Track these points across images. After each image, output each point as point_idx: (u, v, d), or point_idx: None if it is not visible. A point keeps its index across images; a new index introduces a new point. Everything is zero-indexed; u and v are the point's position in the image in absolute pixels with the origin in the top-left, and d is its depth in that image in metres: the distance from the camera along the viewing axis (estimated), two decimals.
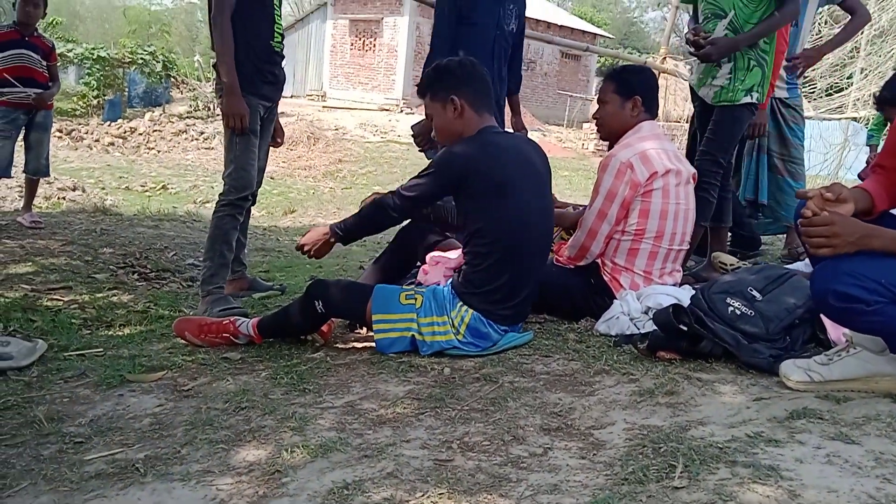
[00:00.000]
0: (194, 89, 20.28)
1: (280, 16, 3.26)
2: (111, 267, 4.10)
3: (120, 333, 2.97)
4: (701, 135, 3.60)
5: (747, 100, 3.26)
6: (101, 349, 2.69)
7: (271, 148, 3.59)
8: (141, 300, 3.47)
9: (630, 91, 2.83)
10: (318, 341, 2.68)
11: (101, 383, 2.31)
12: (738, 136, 3.43)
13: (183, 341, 2.70)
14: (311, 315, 2.54)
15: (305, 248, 2.69)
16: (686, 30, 3.80)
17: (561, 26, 27.28)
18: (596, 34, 29.92)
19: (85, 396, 2.22)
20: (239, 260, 3.58)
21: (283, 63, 3.40)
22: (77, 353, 2.64)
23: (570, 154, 18.78)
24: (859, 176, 4.01)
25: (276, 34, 3.22)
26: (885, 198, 1.98)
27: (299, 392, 2.18)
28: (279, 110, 3.59)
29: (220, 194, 3.25)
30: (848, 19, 4.21)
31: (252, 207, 3.56)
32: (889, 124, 3.79)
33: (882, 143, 3.93)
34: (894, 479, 1.45)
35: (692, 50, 3.28)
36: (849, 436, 1.64)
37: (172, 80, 21.37)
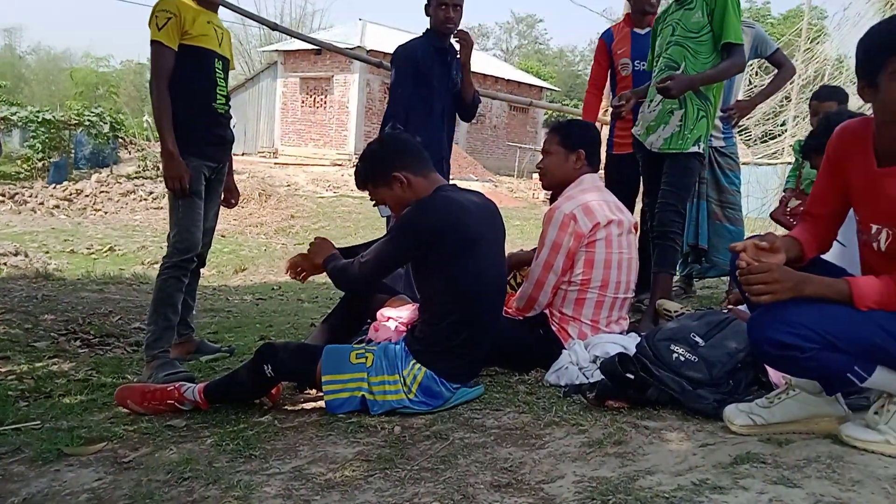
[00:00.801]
0: (143, 149, 20.13)
1: (223, 78, 3.29)
2: (52, 334, 3.98)
3: (59, 404, 2.87)
4: (646, 185, 3.72)
5: (695, 149, 3.39)
6: (39, 422, 2.59)
7: (224, 207, 3.59)
8: (83, 368, 3.37)
9: (574, 144, 2.93)
10: (267, 404, 2.63)
11: (37, 458, 2.21)
12: (693, 185, 3.56)
13: (125, 410, 2.62)
14: (260, 379, 2.50)
15: (300, 269, 2.76)
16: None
17: (508, 80, 28.03)
18: (542, 87, 30.77)
19: (19, 473, 2.13)
20: (186, 322, 3.52)
21: (233, 123, 3.43)
22: (13, 426, 2.53)
23: (521, 203, 19.05)
24: (771, 216, 4.19)
25: (218, 97, 3.24)
26: (814, 245, 2.05)
27: (245, 458, 2.13)
28: (235, 169, 3.62)
29: (163, 256, 3.23)
30: (776, 72, 4.46)
31: (201, 268, 3.53)
32: (800, 171, 3.98)
33: (791, 186, 4.11)
34: None
35: (617, 112, 3.68)
36: (790, 479, 1.67)
37: (120, 140, 21.18)
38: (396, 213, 2.63)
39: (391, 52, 3.87)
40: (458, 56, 3.80)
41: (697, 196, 4.23)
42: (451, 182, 2.75)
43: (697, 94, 3.37)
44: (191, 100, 3.15)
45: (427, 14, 3.76)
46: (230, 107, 3.37)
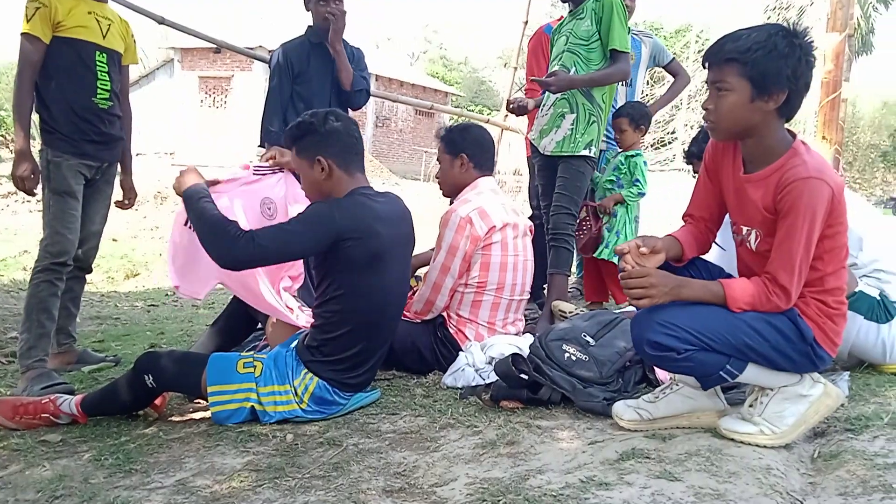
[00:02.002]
0: None
1: (107, 72, 3.12)
2: None
3: None
4: (542, 188, 3.79)
5: (586, 152, 3.48)
6: None
7: (119, 209, 3.42)
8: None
9: (456, 149, 2.96)
10: (151, 415, 2.50)
11: None
12: (585, 188, 3.65)
13: None
14: (141, 390, 2.38)
15: None
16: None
17: (413, 84, 28.09)
18: (448, 92, 31.02)
19: None
20: (67, 332, 3.32)
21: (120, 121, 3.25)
22: None
23: (427, 208, 19.09)
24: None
25: (100, 90, 3.08)
26: (694, 246, 2.14)
27: (125, 473, 2.01)
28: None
29: (35, 260, 3.03)
30: (672, 81, 4.66)
31: (87, 274, 3.34)
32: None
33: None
34: None
35: (512, 107, 3.73)
36: (672, 473, 1.73)
37: (1, 138, 19.88)
38: (307, 193, 2.51)
39: None
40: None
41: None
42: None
43: (588, 100, 3.46)
44: (67, 95, 2.98)
45: (307, 9, 3.67)
46: (115, 103, 3.20)
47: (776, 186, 1.89)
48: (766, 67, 1.86)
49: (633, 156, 3.92)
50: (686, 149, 3.38)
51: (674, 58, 4.65)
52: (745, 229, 2.04)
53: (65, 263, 3.03)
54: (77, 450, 2.23)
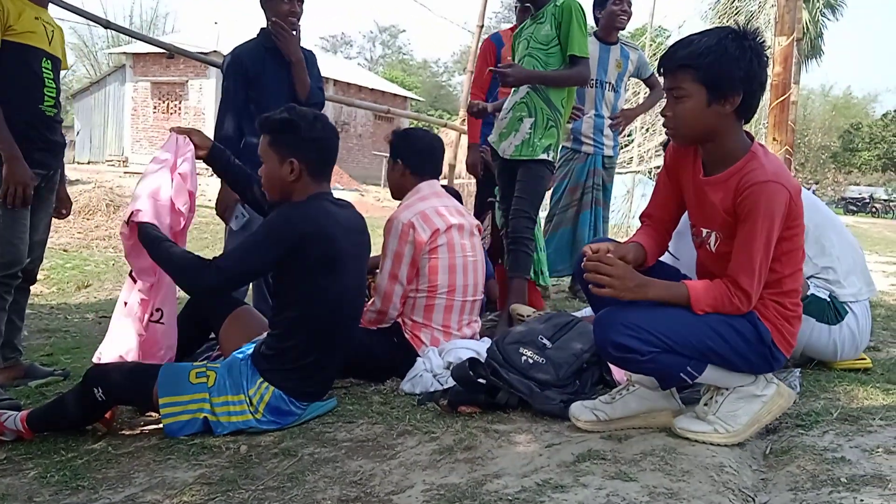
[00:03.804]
0: None
1: (53, 79, 3.04)
2: None
3: None
4: (502, 191, 3.80)
5: (545, 156, 3.49)
6: None
7: (57, 220, 3.32)
8: None
9: (395, 154, 2.97)
10: (100, 429, 2.43)
11: None
12: (544, 192, 3.69)
13: None
14: (90, 404, 2.30)
15: None
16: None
17: (372, 89, 28.02)
18: (407, 97, 31.01)
19: None
20: (13, 345, 3.21)
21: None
22: None
23: (388, 213, 18.98)
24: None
25: (46, 98, 2.99)
26: (655, 249, 2.17)
27: (71, 490, 1.95)
28: (73, 178, 3.34)
29: None
30: (649, 92, 4.94)
31: (32, 286, 3.24)
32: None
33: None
34: None
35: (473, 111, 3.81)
36: (627, 473, 1.74)
37: None
38: (265, 183, 2.48)
39: None
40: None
41: (595, 202, 4.56)
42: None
43: (547, 104, 3.47)
44: (14, 101, 2.87)
45: (262, 6, 3.58)
46: (59, 110, 3.12)
47: (735, 189, 1.92)
48: (718, 71, 1.89)
49: None
50: (663, 142, 3.45)
51: (653, 72, 4.85)
52: (704, 231, 2.07)
53: (15, 275, 2.93)
54: (22, 467, 2.16)
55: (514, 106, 3.52)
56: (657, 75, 4.87)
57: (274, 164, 2.41)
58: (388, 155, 3.18)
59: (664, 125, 2.05)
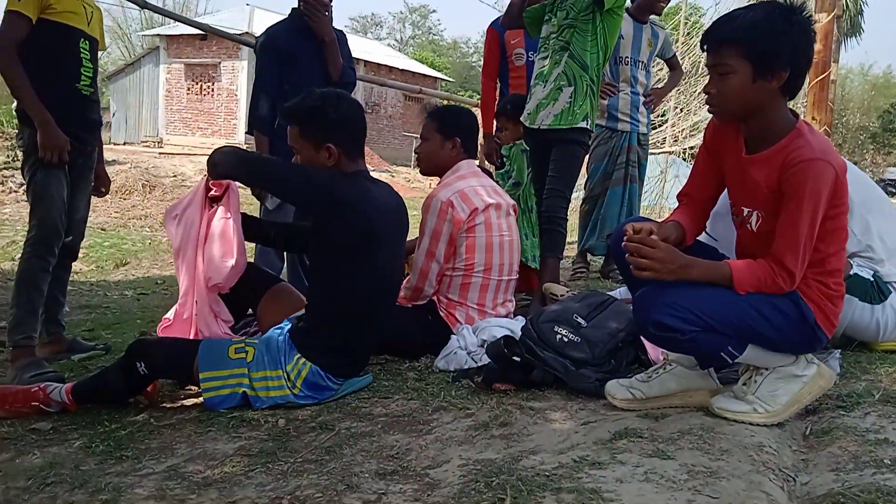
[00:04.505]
0: (11, 138, 18.73)
1: (91, 59, 3.09)
2: None
3: None
4: (535, 172, 3.78)
5: (583, 124, 3.47)
6: None
7: (96, 198, 3.39)
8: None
9: (451, 132, 2.93)
10: (142, 402, 2.49)
11: None
12: (578, 172, 3.67)
13: None
14: (133, 378, 2.36)
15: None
16: None
17: (402, 70, 27.93)
18: (437, 78, 30.87)
19: None
20: (56, 320, 3.29)
21: (113, 110, 3.24)
22: None
23: (418, 194, 19.04)
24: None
25: (83, 77, 3.04)
26: (694, 228, 2.14)
27: (116, 460, 2.00)
28: (110, 158, 3.40)
29: (25, 241, 2.99)
30: (670, 73, 5.05)
31: (74, 262, 3.32)
32: None
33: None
34: (704, 489, 1.53)
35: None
36: (665, 451, 1.73)
37: None
38: None
39: None
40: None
41: (629, 179, 4.54)
42: None
43: (585, 72, 3.45)
44: (51, 79, 2.93)
45: None
46: (95, 89, 3.17)
47: (780, 167, 1.88)
48: (765, 46, 1.85)
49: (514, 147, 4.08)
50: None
51: (675, 53, 4.96)
52: (745, 210, 2.03)
53: (53, 250, 3.00)
54: (67, 437, 2.22)
55: (557, 77, 3.48)
56: (677, 57, 5.00)
57: (310, 153, 2.42)
58: (417, 135, 3.17)
59: (707, 102, 2.02)
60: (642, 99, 4.55)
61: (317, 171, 2.38)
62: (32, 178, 2.96)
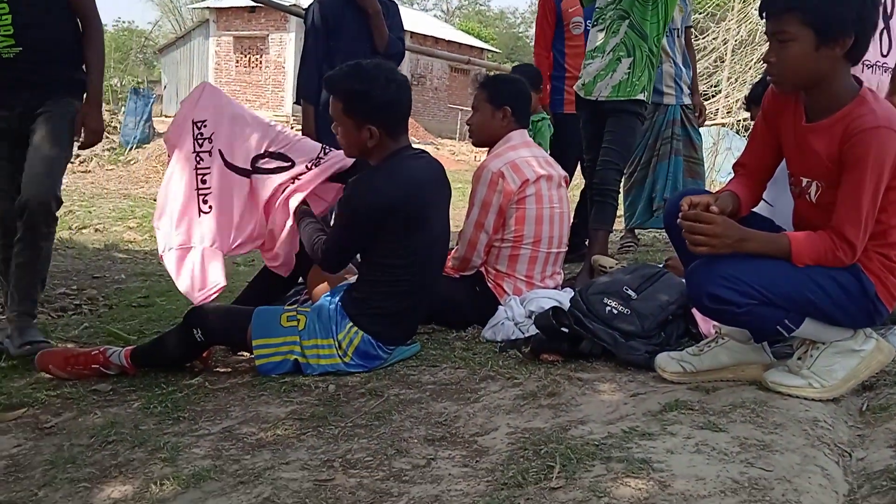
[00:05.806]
0: None
1: (7, 13, 2.70)
2: None
3: None
4: (587, 143, 3.72)
5: (642, 96, 3.41)
6: None
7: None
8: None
9: (501, 101, 2.89)
10: (198, 366, 2.56)
11: None
12: (634, 145, 3.60)
13: (48, 375, 2.51)
14: (189, 344, 2.42)
15: None
16: None
17: (448, 41, 27.72)
18: (483, 48, 30.58)
19: None
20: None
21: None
22: None
23: (463, 166, 19.00)
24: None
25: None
26: (750, 199, 2.08)
27: (173, 420, 2.07)
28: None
29: None
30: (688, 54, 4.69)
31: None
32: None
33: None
34: (757, 462, 1.51)
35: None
36: (716, 424, 1.71)
37: None
38: (344, 146, 2.50)
39: None
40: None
41: (674, 152, 4.44)
42: None
43: (645, 41, 3.38)
44: None
45: None
46: (31, 45, 2.76)
47: (842, 136, 1.81)
48: (828, 13, 1.78)
49: (536, 120, 3.98)
50: (747, 94, 3.29)
51: (691, 24, 4.75)
52: (804, 181, 1.97)
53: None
54: (127, 399, 2.30)
55: (614, 47, 3.42)
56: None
57: (350, 130, 2.41)
58: (463, 107, 3.15)
59: (767, 72, 1.95)
60: (683, 70, 4.41)
61: (348, 234, 2.44)
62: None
